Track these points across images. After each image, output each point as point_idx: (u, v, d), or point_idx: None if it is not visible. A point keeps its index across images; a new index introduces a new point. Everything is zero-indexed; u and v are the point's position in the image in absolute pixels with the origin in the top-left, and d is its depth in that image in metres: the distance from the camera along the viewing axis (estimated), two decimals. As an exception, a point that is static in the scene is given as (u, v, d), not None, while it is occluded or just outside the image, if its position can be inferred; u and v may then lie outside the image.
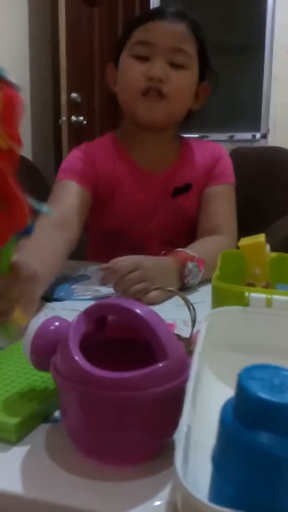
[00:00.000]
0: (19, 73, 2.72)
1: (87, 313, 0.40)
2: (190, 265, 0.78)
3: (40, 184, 2.33)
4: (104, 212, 0.99)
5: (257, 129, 3.45)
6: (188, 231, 1.00)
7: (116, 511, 0.32)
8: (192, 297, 0.74)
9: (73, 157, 1.00)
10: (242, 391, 0.25)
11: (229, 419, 0.26)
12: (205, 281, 0.80)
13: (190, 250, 0.82)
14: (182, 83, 0.92)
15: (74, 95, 2.62)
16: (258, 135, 3.44)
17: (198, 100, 0.99)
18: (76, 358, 0.35)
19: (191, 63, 0.93)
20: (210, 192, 1.00)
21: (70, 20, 2.56)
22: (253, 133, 3.43)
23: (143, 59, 0.91)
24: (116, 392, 0.34)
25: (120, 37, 0.97)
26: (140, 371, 0.34)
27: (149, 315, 0.38)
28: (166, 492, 0.34)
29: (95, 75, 2.83)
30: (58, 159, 2.90)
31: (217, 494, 0.26)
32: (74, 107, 2.64)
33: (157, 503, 0.33)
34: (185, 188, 0.99)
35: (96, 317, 0.40)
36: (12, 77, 0.43)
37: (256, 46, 3.28)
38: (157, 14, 0.93)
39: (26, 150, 2.73)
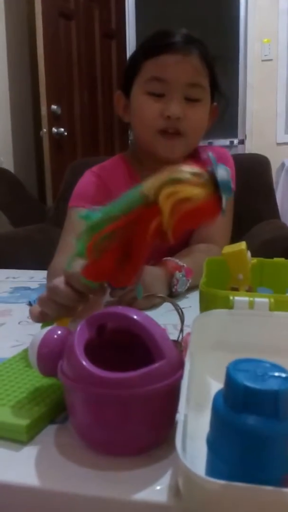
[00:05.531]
0: (-2, 87, 2.74)
1: (89, 321, 0.44)
2: (178, 274, 0.82)
3: (23, 197, 2.36)
4: None
5: (235, 135, 3.55)
6: (187, 239, 1.00)
7: (124, 496, 0.36)
8: (180, 303, 0.78)
9: (86, 182, 1.00)
10: (230, 381, 0.30)
11: (221, 406, 0.30)
12: (191, 288, 0.84)
13: (179, 259, 0.85)
14: (198, 117, 0.93)
15: (54, 107, 2.66)
16: (236, 141, 3.54)
17: (209, 121, 0.98)
18: (83, 362, 0.39)
19: (205, 94, 0.94)
20: None
21: (47, 34, 2.60)
22: (231, 139, 3.53)
23: (158, 95, 0.91)
24: (119, 390, 0.38)
25: (128, 66, 0.97)
26: (140, 370, 0.39)
27: (146, 320, 0.42)
28: (167, 477, 0.38)
29: (74, 87, 2.88)
30: (40, 170, 2.93)
31: (213, 471, 0.31)
32: (54, 119, 2.68)
33: (159, 487, 0.37)
34: None
35: (97, 324, 0.44)
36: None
37: (231, 55, 3.38)
38: (168, 46, 0.90)
39: (8, 162, 2.75)
